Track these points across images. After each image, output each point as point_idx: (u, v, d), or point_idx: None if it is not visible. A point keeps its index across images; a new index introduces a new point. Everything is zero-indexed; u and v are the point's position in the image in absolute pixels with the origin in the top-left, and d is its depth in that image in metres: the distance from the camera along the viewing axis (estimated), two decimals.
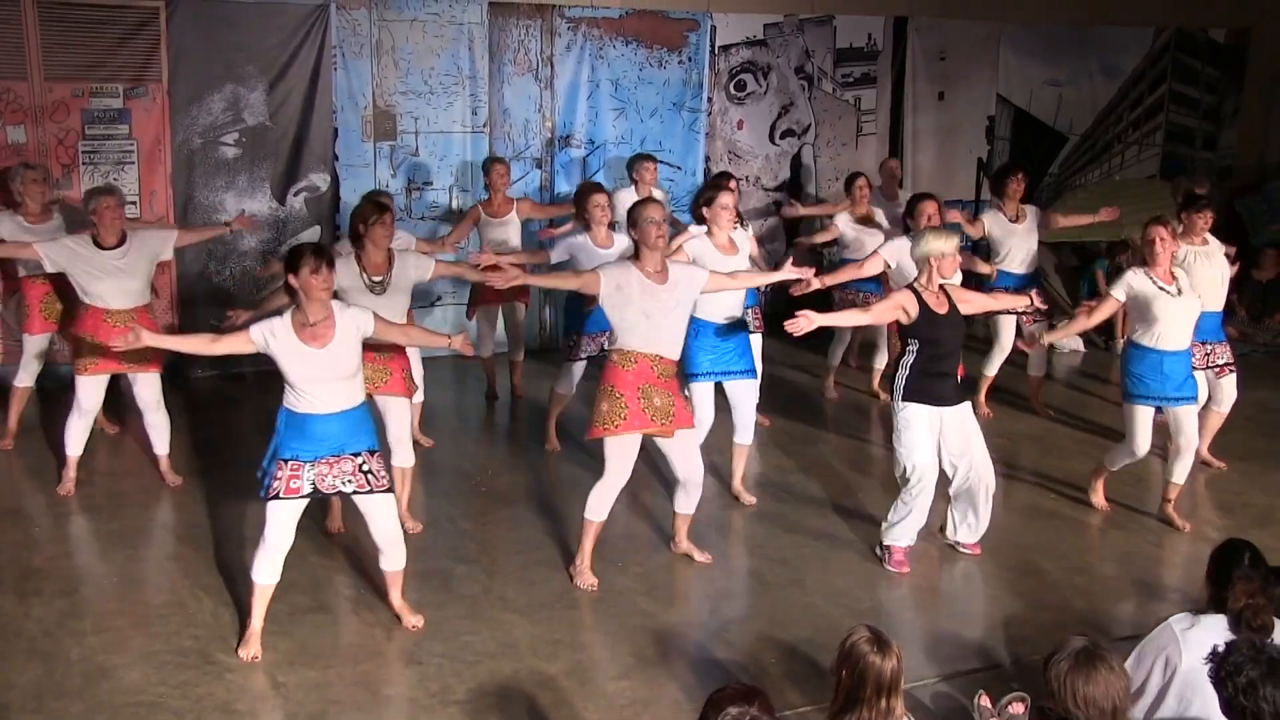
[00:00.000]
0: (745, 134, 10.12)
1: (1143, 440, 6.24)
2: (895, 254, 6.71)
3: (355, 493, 4.78)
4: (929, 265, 5.47)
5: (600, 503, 5.40)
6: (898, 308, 5.48)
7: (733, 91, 9.99)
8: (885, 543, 5.76)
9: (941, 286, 5.54)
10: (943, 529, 5.97)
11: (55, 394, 7.85)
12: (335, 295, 4.83)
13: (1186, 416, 6.23)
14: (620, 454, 5.30)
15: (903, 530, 5.69)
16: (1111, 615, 5.33)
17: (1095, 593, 5.60)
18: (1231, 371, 7.05)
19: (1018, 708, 4.35)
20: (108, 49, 7.97)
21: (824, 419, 8.01)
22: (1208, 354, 6.80)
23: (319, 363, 4.62)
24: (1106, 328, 9.99)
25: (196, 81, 8.25)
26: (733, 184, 7.21)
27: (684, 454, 5.45)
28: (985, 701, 4.39)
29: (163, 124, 8.21)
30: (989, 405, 8.12)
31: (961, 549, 5.91)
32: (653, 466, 6.53)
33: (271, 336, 4.60)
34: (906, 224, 6.99)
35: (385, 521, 4.89)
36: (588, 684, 4.63)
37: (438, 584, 5.45)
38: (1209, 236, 6.91)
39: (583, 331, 6.88)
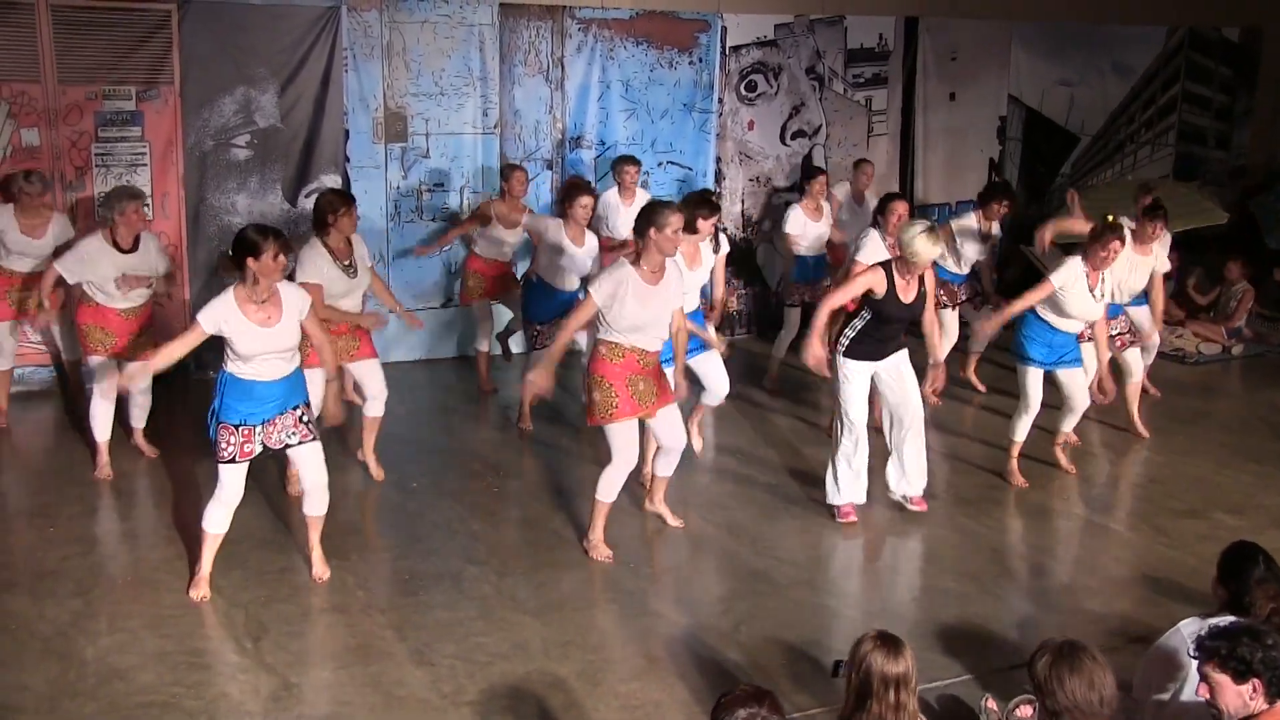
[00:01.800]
0: (756, 135, 10.11)
1: (1034, 397, 6.64)
2: (871, 255, 6.97)
3: (300, 443, 5.17)
4: (914, 259, 5.77)
5: (609, 485, 5.69)
6: (866, 286, 5.82)
7: (743, 92, 9.98)
8: (836, 504, 6.16)
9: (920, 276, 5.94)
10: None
11: (51, 395, 7.94)
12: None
13: (1071, 379, 6.69)
14: (622, 439, 5.59)
15: (854, 489, 6.13)
16: (1123, 616, 5.30)
17: (1107, 594, 5.58)
18: (1132, 344, 7.49)
19: (1025, 710, 4.34)
20: (120, 52, 7.99)
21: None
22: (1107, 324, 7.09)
23: (267, 340, 5.01)
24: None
25: (208, 84, 8.27)
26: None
27: (667, 424, 5.78)
28: (991, 704, 4.39)
29: (175, 126, 8.24)
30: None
31: (910, 505, 6.26)
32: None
33: (224, 322, 4.93)
34: (876, 220, 7.23)
35: (315, 467, 5.27)
36: (599, 685, 4.64)
37: (449, 585, 5.47)
38: (1155, 248, 7.34)
39: (543, 321, 7.38)
